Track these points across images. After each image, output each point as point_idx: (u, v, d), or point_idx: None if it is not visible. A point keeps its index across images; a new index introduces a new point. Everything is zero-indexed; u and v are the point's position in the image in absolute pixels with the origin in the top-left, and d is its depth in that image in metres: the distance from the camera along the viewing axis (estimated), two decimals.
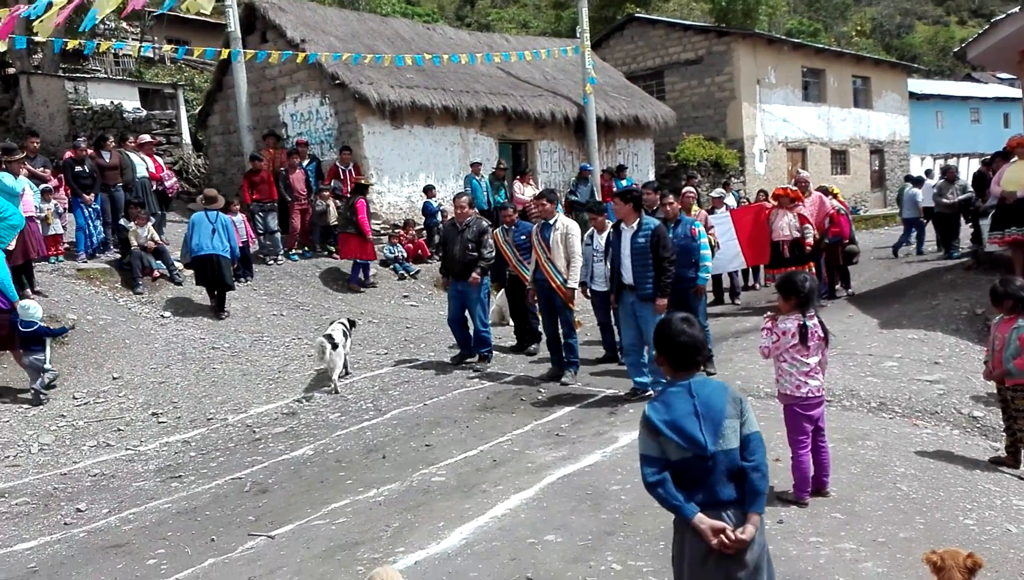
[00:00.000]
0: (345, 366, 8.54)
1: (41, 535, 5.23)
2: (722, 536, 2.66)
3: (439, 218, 13.82)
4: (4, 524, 5.45)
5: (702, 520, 2.68)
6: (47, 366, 7.90)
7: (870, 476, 5.04)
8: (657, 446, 2.74)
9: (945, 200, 13.69)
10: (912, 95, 29.85)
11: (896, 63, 31.05)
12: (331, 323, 8.89)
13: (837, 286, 11.90)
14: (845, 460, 5.26)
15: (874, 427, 6.06)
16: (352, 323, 9.08)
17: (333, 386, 8.12)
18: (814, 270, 10.52)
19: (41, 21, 7.30)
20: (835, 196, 11.79)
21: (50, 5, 7.59)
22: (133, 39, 20.78)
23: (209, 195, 10.68)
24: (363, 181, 12.78)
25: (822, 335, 4.64)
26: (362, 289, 12.48)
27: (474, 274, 8.59)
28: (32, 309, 7.74)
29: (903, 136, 29.00)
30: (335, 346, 8.06)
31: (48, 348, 7.96)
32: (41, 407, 7.64)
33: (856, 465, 5.22)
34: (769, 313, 4.83)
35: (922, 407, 6.52)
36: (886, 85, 28.14)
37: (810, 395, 4.64)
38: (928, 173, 13.07)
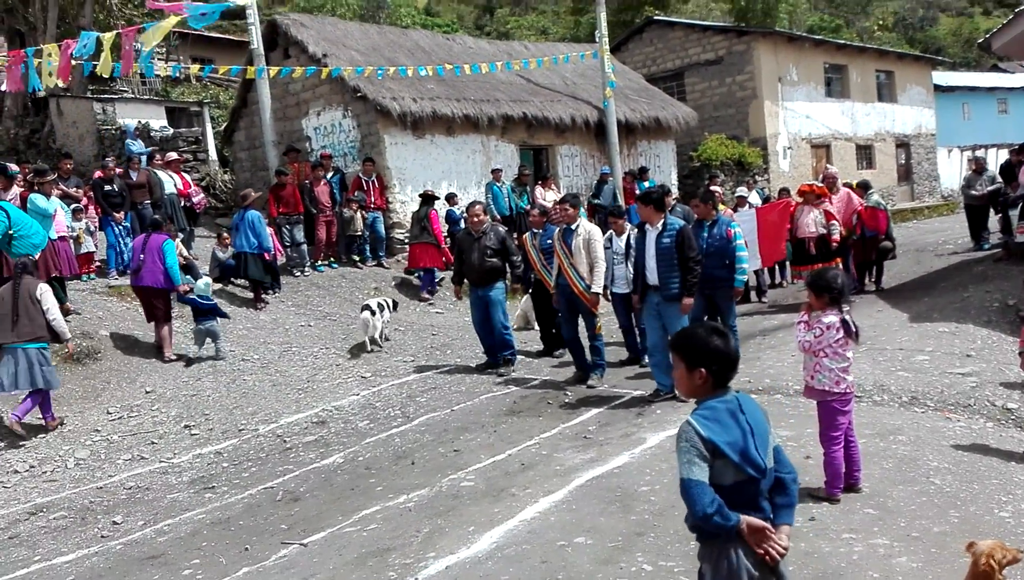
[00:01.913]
0: (383, 334, 10.29)
1: (79, 548, 5.32)
2: (771, 548, 2.47)
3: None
4: (43, 538, 5.56)
5: (743, 519, 2.45)
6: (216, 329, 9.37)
7: (903, 471, 4.98)
8: (708, 470, 2.44)
9: (974, 192, 13.50)
10: (937, 87, 29.45)
11: (920, 56, 30.69)
12: (369, 297, 10.50)
13: (867, 281, 11.78)
14: (877, 455, 5.21)
15: (906, 422, 5.99)
16: (395, 303, 10.75)
17: (374, 345, 9.97)
18: (841, 266, 10.43)
19: (100, 63, 7.45)
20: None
21: (99, 42, 7.71)
22: (159, 59, 21.13)
23: (241, 194, 11.56)
24: (429, 193, 13.19)
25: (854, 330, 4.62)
26: (429, 297, 12.95)
27: (516, 286, 9.30)
28: (208, 286, 9.43)
29: (929, 129, 28.63)
30: (373, 313, 9.91)
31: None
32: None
33: (888, 460, 5.16)
34: (806, 306, 4.78)
35: (955, 400, 6.42)
36: (910, 78, 27.81)
37: (847, 390, 4.62)
38: (1008, 164, 12.82)
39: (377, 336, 10.04)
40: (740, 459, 2.45)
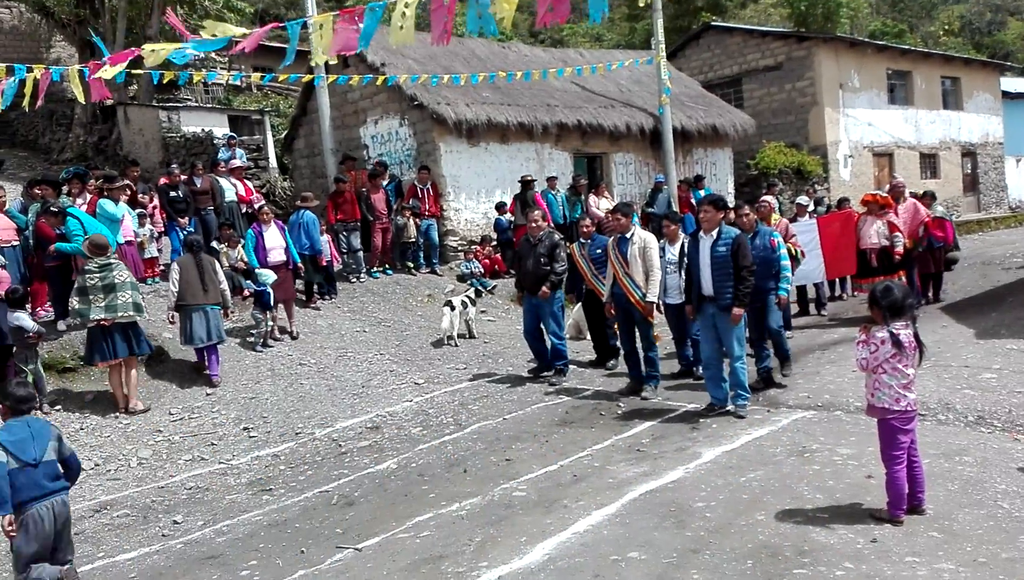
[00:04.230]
0: (471, 330, 11.10)
1: (141, 546, 5.46)
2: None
3: (511, 234, 13.94)
4: (107, 535, 5.73)
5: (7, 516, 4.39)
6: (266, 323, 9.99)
7: (969, 493, 4.83)
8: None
9: None
10: (1006, 94, 28.54)
11: (987, 62, 29.77)
12: (423, 304, 11.24)
13: (929, 294, 11.46)
14: (941, 477, 5.06)
15: (972, 442, 5.80)
16: (477, 292, 11.73)
17: (453, 342, 10.66)
18: (904, 280, 10.16)
19: (153, 52, 7.80)
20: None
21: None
22: (222, 68, 21.68)
23: (302, 195, 12.28)
24: (527, 177, 14.00)
25: (915, 345, 4.49)
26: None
27: (543, 289, 8.64)
28: (270, 278, 9.88)
29: (997, 137, 27.76)
30: (453, 308, 10.61)
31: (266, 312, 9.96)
32: (145, 419, 8.22)
33: (953, 482, 5.01)
34: (864, 325, 4.68)
35: None
36: (977, 85, 27.01)
37: (908, 408, 4.50)
38: None
39: (455, 334, 10.74)
40: (18, 452, 4.39)
